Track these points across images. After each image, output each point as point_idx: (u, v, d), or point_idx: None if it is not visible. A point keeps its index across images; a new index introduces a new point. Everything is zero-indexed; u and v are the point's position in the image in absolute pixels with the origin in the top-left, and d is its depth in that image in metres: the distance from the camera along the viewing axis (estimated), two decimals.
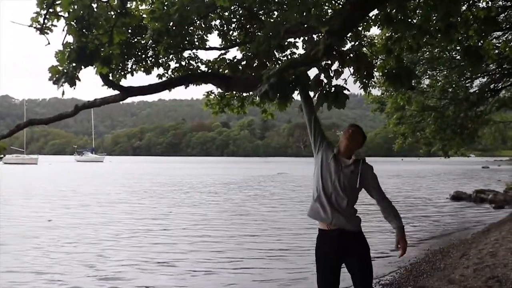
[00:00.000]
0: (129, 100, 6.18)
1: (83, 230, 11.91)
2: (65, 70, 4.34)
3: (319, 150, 3.52)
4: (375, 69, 4.97)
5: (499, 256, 6.97)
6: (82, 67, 4.36)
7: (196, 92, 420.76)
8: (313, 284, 3.63)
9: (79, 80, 4.41)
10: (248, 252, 9.31)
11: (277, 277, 7.43)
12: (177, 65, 6.09)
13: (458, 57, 12.85)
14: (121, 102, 5.69)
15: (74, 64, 4.27)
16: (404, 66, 5.16)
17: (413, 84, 5.40)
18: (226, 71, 6.01)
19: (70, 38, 4.19)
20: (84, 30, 4.13)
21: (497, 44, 11.51)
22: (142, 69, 5.75)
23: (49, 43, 4.27)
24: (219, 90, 6.42)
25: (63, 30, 4.09)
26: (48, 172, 44.40)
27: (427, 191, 24.70)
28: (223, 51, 6.17)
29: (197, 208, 16.97)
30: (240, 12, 5.85)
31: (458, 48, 11.18)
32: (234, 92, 6.49)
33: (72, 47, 4.16)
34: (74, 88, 4.45)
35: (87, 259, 8.64)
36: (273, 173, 43.95)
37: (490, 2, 6.68)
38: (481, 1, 6.41)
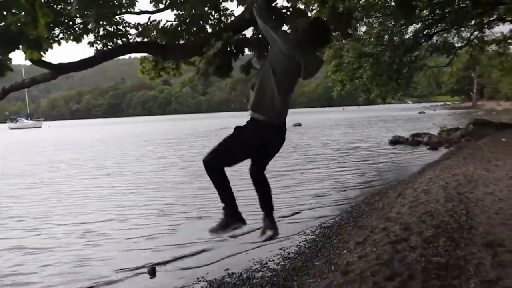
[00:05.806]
0: None
1: None
2: None
3: None
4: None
5: (432, 193, 7.33)
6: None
7: None
8: None
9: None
10: None
11: None
12: (105, 32, 5.59)
13: (393, 3, 12.97)
14: None
15: None
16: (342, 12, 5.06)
17: (349, 31, 5.36)
18: (160, 36, 5.59)
19: None
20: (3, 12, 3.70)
21: None
22: (72, 37, 5.28)
23: None
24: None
25: None
26: None
27: (366, 138, 25.43)
28: (154, 14, 5.73)
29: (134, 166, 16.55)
30: None
31: None
32: None
33: None
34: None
35: None
36: (216, 128, 43.38)
37: None
38: None
